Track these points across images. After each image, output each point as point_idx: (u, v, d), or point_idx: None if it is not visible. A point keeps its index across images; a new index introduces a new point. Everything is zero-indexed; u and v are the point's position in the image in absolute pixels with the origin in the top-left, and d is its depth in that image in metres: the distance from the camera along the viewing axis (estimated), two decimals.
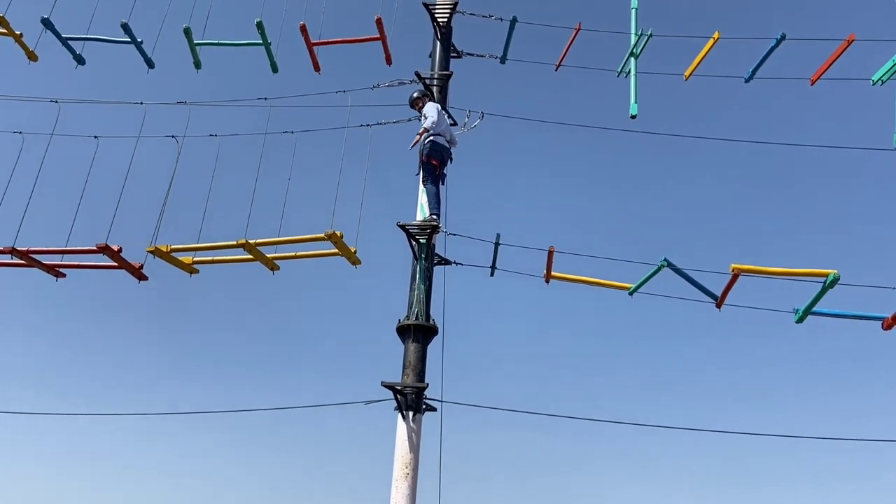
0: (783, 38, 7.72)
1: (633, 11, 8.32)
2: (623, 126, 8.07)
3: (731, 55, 9.11)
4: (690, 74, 8.21)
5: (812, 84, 8.26)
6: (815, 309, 7.38)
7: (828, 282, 7.00)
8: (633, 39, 8.11)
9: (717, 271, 7.43)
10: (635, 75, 7.92)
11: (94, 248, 7.25)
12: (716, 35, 7.84)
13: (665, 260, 7.27)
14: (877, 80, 8.25)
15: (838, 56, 7.91)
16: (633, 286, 7.72)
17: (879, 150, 8.53)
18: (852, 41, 7.78)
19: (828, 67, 8.04)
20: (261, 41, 8.09)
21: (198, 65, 8.50)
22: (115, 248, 7.21)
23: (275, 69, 8.47)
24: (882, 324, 7.53)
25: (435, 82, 8.17)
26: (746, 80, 8.38)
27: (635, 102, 7.75)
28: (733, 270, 7.16)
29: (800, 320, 7.56)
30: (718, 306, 7.65)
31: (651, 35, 7.94)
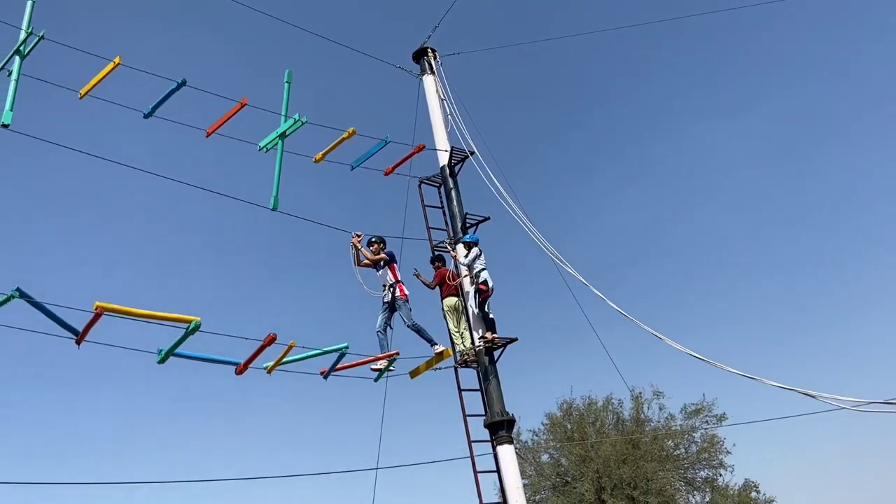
0: (183, 83, 7.88)
1: (30, 4, 7.37)
2: None
3: (139, 88, 8.92)
4: (86, 94, 7.65)
5: (207, 136, 8.66)
6: (177, 351, 7.56)
7: (190, 328, 7.25)
8: (22, 35, 7.15)
9: (80, 308, 6.96)
10: (17, 78, 6.93)
11: None
12: (117, 60, 7.50)
13: (17, 289, 6.42)
14: (262, 147, 9.18)
15: (232, 115, 8.50)
16: None
17: (261, 207, 9.43)
18: (245, 104, 8.47)
19: (222, 124, 8.56)
20: None
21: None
22: None
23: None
24: (236, 368, 8.23)
25: None
26: (146, 116, 8.25)
27: (11, 110, 6.75)
28: (97, 309, 6.80)
29: (162, 360, 7.65)
30: (78, 342, 7.20)
31: (43, 37, 7.09)
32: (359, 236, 10.45)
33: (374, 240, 10.53)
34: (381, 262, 10.42)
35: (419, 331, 10.16)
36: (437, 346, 10.11)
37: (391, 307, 10.32)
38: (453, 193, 11.67)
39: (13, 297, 6.46)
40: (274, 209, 9.09)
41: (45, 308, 6.77)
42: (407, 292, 10.35)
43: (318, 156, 10.03)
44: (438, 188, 11.97)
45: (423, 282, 11.13)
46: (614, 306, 10.35)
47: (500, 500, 10.05)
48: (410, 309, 10.28)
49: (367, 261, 10.44)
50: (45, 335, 7.12)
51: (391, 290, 10.31)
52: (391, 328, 10.36)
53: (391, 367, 9.80)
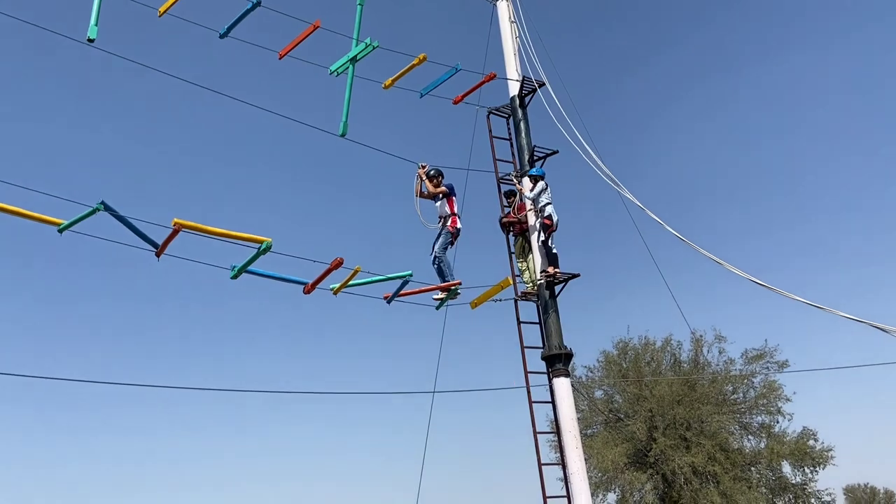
0: (258, 3, 7.90)
1: None
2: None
3: (211, 8, 8.99)
4: (164, 12, 7.76)
5: (280, 58, 8.72)
6: (250, 268, 7.85)
7: (262, 248, 7.50)
8: None
9: (159, 224, 7.27)
10: None
11: None
12: None
13: (102, 203, 6.73)
14: (333, 71, 9.19)
15: (304, 37, 8.50)
16: (64, 223, 6.97)
17: (330, 134, 9.55)
18: (317, 27, 8.44)
19: (294, 46, 8.58)
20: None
21: None
22: None
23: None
24: (304, 288, 8.50)
25: None
26: (221, 36, 8.34)
27: (95, 24, 6.92)
28: (175, 225, 7.08)
29: (235, 276, 7.96)
30: (158, 255, 7.54)
31: None
32: (424, 167, 10.48)
33: (432, 173, 10.51)
34: (441, 195, 10.46)
35: (440, 265, 10.00)
36: (451, 281, 9.85)
37: None
38: (522, 125, 11.50)
39: (98, 210, 6.77)
40: (343, 135, 9.17)
41: (127, 221, 7.08)
42: (459, 226, 10.33)
43: (388, 82, 9.99)
44: (507, 119, 11.81)
45: (424, 181, 10.46)
46: (673, 231, 10.15)
47: (554, 430, 10.26)
48: (452, 244, 10.26)
49: (428, 192, 10.51)
50: (128, 246, 7.50)
51: (445, 221, 10.35)
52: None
53: (457, 293, 9.87)
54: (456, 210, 10.43)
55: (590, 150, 10.79)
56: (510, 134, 11.71)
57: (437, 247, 10.14)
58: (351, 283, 8.56)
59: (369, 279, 8.74)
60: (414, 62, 9.70)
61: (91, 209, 6.79)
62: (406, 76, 9.95)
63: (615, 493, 26.56)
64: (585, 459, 24.22)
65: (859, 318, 8.89)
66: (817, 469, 24.65)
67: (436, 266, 10.08)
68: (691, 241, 10.13)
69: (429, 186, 10.43)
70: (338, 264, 7.94)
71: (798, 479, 24.96)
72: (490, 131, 11.68)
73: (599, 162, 10.65)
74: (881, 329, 8.74)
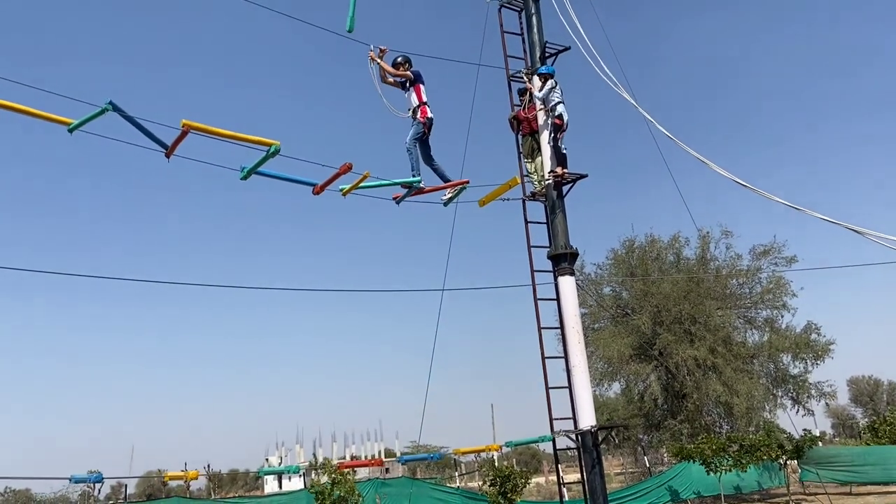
0: None
1: None
2: None
3: None
4: None
5: None
6: (259, 169, 7.94)
7: (271, 150, 7.56)
8: None
9: (168, 125, 7.31)
10: None
11: None
12: None
13: (110, 103, 6.75)
14: None
15: None
16: (74, 122, 7.02)
17: (333, 34, 9.38)
18: None
19: None
20: None
21: None
22: None
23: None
24: (313, 189, 8.62)
25: None
26: None
27: None
28: (184, 126, 7.12)
29: (245, 177, 8.06)
30: (168, 156, 7.63)
31: None
32: (383, 51, 9.74)
33: (400, 60, 9.79)
34: (407, 83, 9.74)
35: (409, 156, 9.55)
36: (415, 176, 9.51)
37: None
38: (535, 20, 11.17)
39: (106, 111, 6.80)
40: (350, 31, 8.99)
41: (136, 121, 7.12)
42: (430, 115, 9.62)
43: None
44: (519, 13, 11.47)
45: (381, 65, 9.75)
46: (685, 147, 10.09)
47: (558, 325, 10.60)
48: (426, 134, 9.62)
49: (391, 79, 9.79)
50: (137, 147, 7.58)
51: (414, 113, 9.66)
52: (433, 160, 9.85)
53: (464, 188, 9.77)
54: (424, 98, 9.68)
55: (593, 51, 10.53)
56: (522, 29, 11.41)
57: (408, 137, 9.57)
58: (360, 185, 8.66)
59: (378, 182, 8.83)
60: None
61: (100, 109, 6.82)
62: None
63: (620, 382, 27.57)
64: (592, 352, 25.01)
65: (831, 220, 9.11)
66: (818, 361, 25.33)
67: (409, 156, 9.54)
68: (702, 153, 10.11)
69: (387, 70, 9.67)
70: (346, 169, 8.02)
71: (798, 371, 25.73)
72: (501, 25, 11.38)
73: (603, 65, 10.41)
74: (856, 231, 8.93)
